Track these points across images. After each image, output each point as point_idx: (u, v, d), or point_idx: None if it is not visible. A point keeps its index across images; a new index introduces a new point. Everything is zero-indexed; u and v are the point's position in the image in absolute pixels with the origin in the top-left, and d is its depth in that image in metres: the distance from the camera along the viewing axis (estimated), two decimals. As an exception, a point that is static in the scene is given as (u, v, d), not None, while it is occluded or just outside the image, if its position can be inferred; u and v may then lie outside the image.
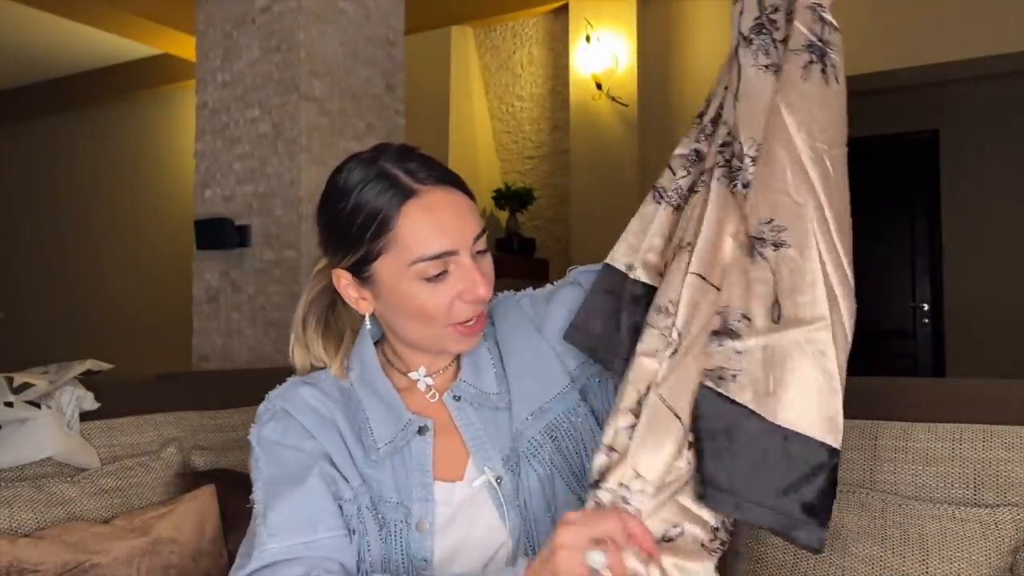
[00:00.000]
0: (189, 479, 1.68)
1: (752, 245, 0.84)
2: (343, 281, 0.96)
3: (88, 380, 1.67)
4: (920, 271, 5.32)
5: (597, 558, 0.72)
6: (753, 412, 0.80)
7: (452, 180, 0.93)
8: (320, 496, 0.89)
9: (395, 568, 0.91)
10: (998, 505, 1.26)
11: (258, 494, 0.92)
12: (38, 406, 1.53)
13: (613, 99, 4.29)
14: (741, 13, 0.96)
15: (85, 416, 1.64)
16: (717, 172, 0.89)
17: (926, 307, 5.28)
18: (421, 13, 4.03)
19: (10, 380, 1.55)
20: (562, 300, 1.02)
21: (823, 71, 0.89)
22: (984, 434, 1.32)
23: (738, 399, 0.80)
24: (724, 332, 0.83)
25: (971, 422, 1.34)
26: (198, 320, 3.09)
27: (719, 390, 0.81)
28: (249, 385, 2.14)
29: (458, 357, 1.01)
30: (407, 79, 3.31)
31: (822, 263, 0.83)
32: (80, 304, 6.14)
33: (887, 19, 3.92)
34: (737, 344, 0.82)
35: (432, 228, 0.88)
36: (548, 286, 1.06)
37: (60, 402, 1.58)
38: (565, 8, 4.54)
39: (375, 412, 0.95)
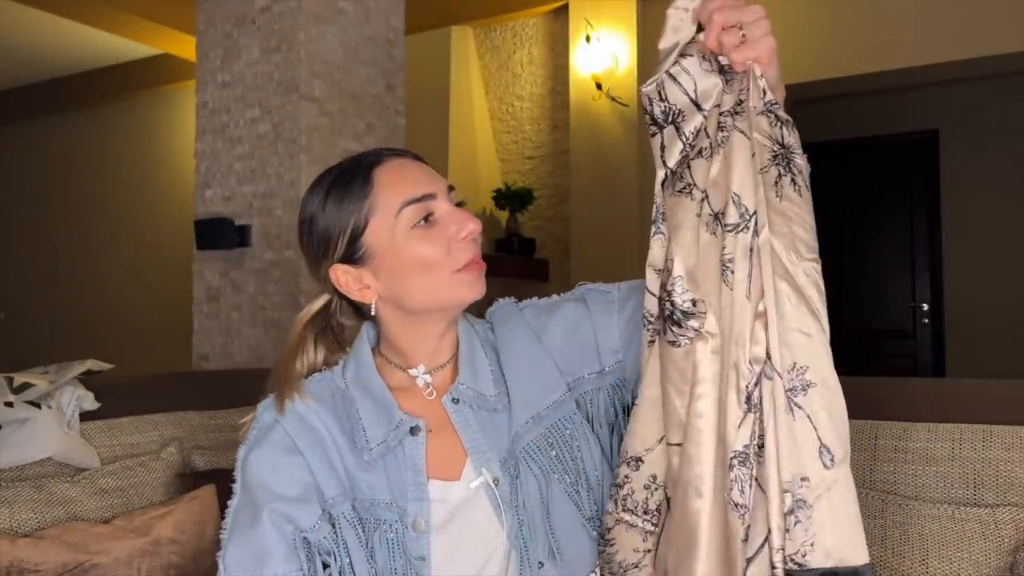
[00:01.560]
0: (189, 479, 1.68)
1: (788, 401, 0.76)
2: (341, 277, 0.98)
3: (88, 380, 1.67)
4: (920, 271, 5.32)
5: None
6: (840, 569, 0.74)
7: (412, 155, 1.00)
8: (269, 538, 0.91)
9: (392, 568, 0.92)
10: (998, 505, 1.26)
11: (227, 519, 0.95)
12: (38, 406, 1.53)
13: (613, 99, 4.29)
14: (663, 148, 0.87)
15: (85, 416, 1.64)
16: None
17: (926, 307, 5.29)
18: (421, 13, 4.02)
19: (10, 380, 1.55)
20: (563, 315, 1.03)
21: (792, 181, 0.80)
22: (984, 434, 1.32)
23: (831, 565, 0.74)
24: (793, 510, 0.75)
25: (971, 422, 1.34)
26: (198, 320, 3.09)
27: (808, 566, 0.74)
28: (249, 385, 2.14)
29: (455, 359, 1.01)
30: (407, 79, 3.31)
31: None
32: (80, 304, 6.14)
33: (887, 19, 3.92)
34: (807, 512, 0.75)
35: (407, 179, 0.95)
36: (554, 296, 1.07)
37: (60, 402, 1.58)
38: (565, 8, 4.54)
39: (368, 412, 0.96)
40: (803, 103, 4.31)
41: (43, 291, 6.38)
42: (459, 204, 0.98)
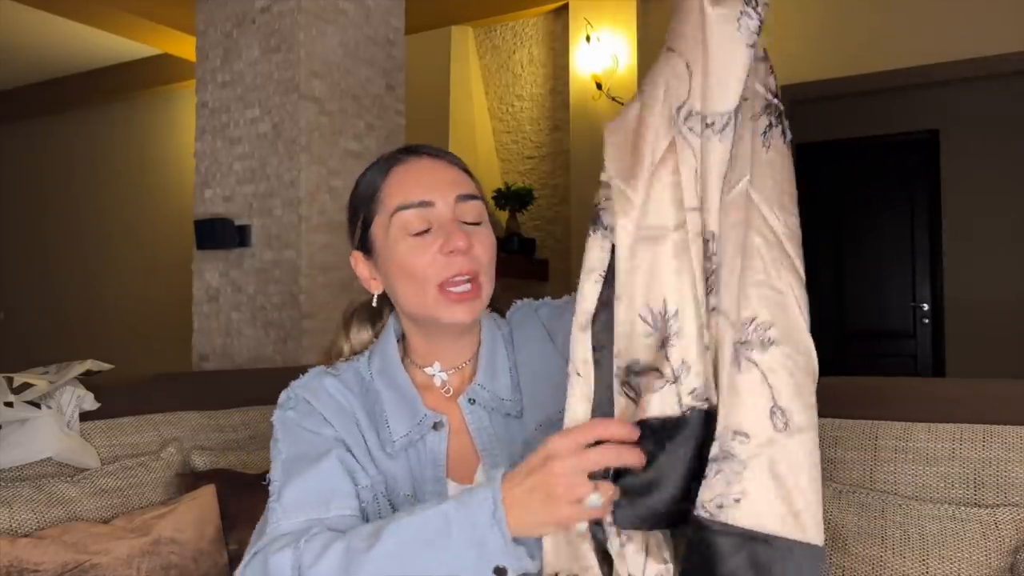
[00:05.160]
0: (189, 479, 1.68)
1: (736, 353, 0.72)
2: (358, 263, 1.01)
3: (88, 380, 1.67)
4: (920, 271, 5.32)
5: (595, 499, 0.70)
6: (776, 536, 0.68)
7: (445, 155, 0.99)
8: (335, 475, 0.89)
9: None
10: (998, 505, 1.26)
11: (276, 474, 0.92)
12: (38, 406, 1.53)
13: (613, 99, 4.29)
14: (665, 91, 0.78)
15: (85, 416, 1.64)
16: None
17: (926, 307, 5.28)
18: (421, 13, 4.02)
19: (10, 380, 1.55)
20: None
21: (782, 131, 0.76)
22: (984, 434, 1.32)
23: (751, 526, 0.68)
24: (717, 458, 0.70)
25: (971, 422, 1.34)
26: (198, 320, 3.09)
27: (721, 519, 0.69)
28: (249, 385, 2.15)
29: (476, 358, 1.00)
30: (407, 79, 3.31)
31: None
32: (80, 304, 6.14)
33: (887, 19, 3.92)
34: (735, 466, 0.70)
35: (411, 183, 0.95)
36: (565, 296, 1.06)
37: (60, 402, 1.58)
38: (565, 8, 4.54)
39: (392, 405, 0.97)
40: (803, 103, 4.31)
41: (43, 291, 6.38)
42: (474, 224, 0.95)
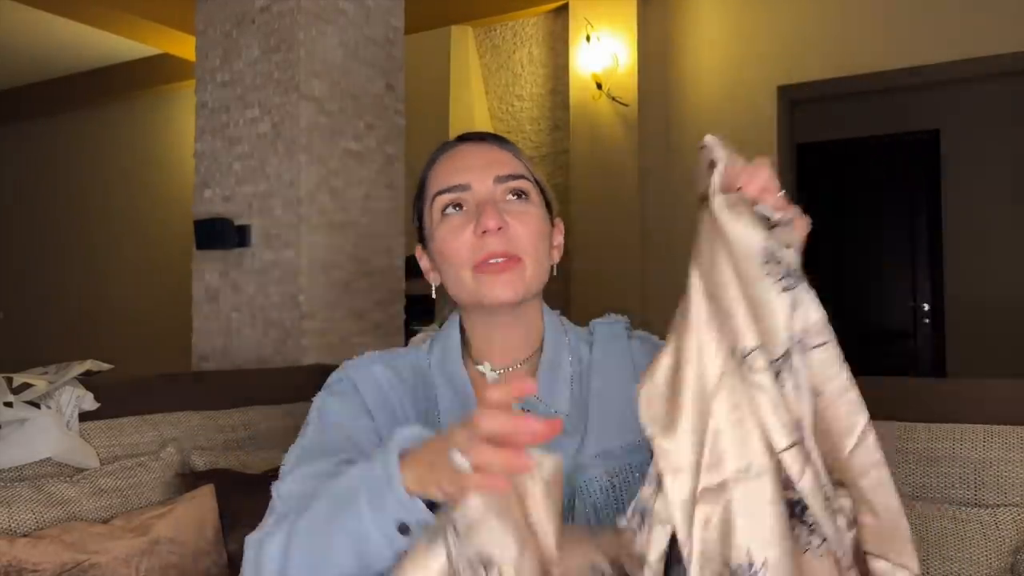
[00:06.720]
0: (188, 479, 1.68)
1: None
2: (421, 256, 1.01)
3: (88, 380, 1.67)
4: (920, 271, 5.32)
5: (458, 459, 0.65)
6: None
7: (490, 137, 1.00)
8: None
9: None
10: (998, 505, 1.26)
11: (290, 456, 0.89)
12: (37, 406, 1.53)
13: (613, 99, 4.29)
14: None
15: (85, 416, 1.64)
16: None
17: (926, 307, 5.28)
18: (421, 13, 4.02)
19: (10, 380, 1.55)
20: None
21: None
22: (984, 434, 1.32)
23: None
24: None
25: (971, 422, 1.34)
26: (198, 320, 3.09)
27: None
28: (249, 385, 2.15)
29: (534, 361, 0.96)
30: (407, 79, 3.31)
31: None
32: (80, 304, 6.14)
33: (887, 19, 3.92)
34: None
35: (449, 168, 0.95)
36: (660, 341, 0.99)
37: (59, 402, 1.58)
38: (565, 8, 4.54)
39: (446, 402, 0.95)
40: (803, 103, 4.30)
41: (43, 291, 6.38)
42: (518, 196, 0.94)
